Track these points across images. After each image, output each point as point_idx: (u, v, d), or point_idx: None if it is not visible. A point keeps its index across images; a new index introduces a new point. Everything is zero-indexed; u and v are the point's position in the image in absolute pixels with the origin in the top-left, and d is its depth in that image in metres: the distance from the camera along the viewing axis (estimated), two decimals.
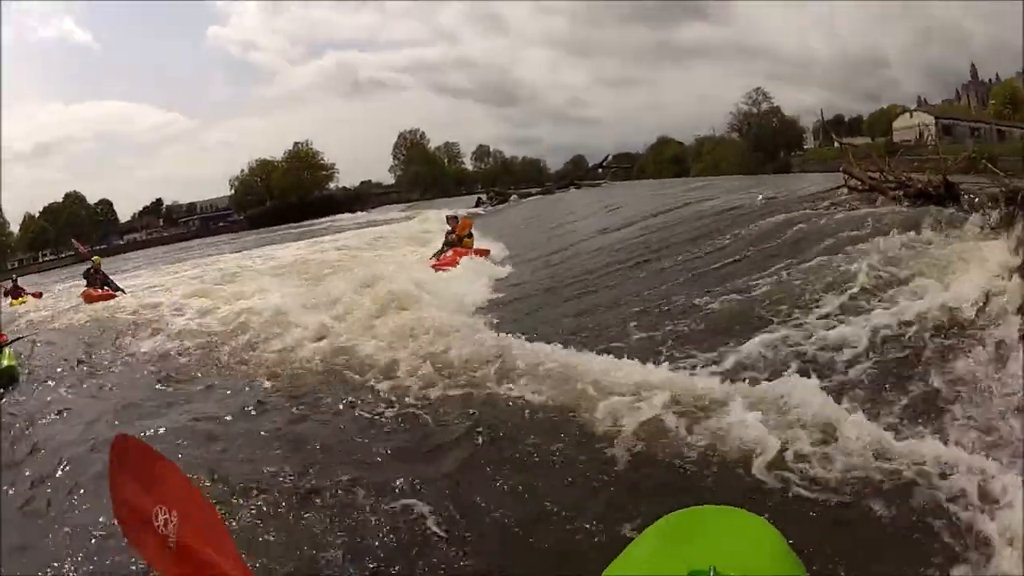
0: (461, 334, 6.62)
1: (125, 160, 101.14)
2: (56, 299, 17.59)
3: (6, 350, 8.68)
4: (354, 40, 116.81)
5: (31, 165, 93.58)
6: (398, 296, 8.26)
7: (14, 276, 22.01)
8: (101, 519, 3.79)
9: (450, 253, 12.67)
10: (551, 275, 10.87)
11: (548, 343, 5.96)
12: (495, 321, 7.50)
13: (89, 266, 16.03)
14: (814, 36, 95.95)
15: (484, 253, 13.08)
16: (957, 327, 4.77)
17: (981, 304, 4.96)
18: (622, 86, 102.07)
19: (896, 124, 47.33)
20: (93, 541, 3.69)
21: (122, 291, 15.48)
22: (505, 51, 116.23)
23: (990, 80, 51.64)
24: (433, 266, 12.12)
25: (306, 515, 3.73)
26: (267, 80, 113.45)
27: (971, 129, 42.60)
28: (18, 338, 9.58)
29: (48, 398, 7.00)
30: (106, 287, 15.48)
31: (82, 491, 4.33)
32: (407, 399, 5.38)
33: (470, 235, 13.63)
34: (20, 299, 17.81)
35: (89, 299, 14.71)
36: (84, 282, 15.88)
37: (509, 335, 6.31)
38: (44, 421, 6.14)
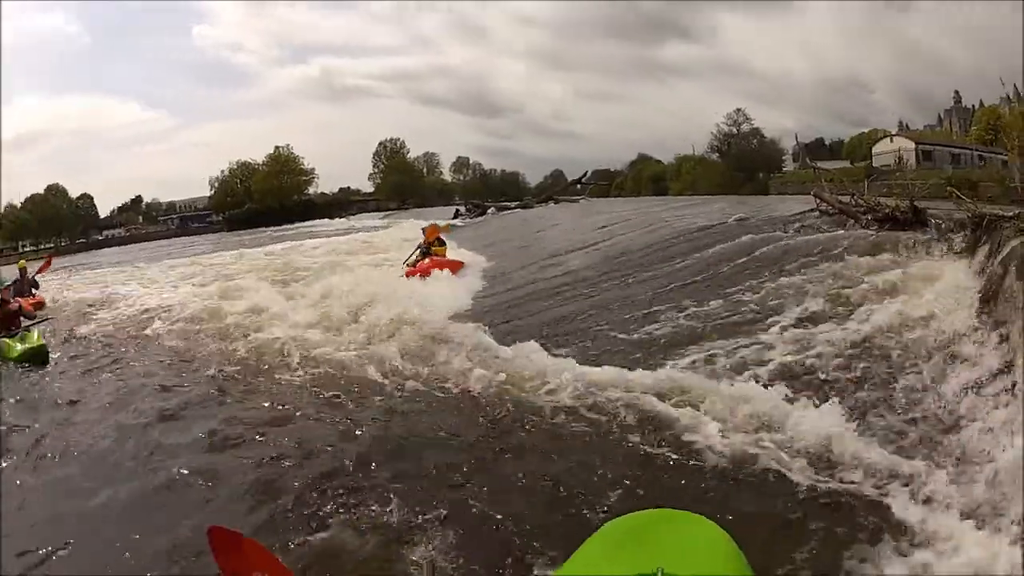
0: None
1: (104, 156, 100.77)
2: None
3: (34, 330, 9.21)
4: (337, 46, 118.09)
5: (9, 155, 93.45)
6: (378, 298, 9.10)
7: None
8: None
9: (426, 261, 12.68)
10: (525, 285, 11.05)
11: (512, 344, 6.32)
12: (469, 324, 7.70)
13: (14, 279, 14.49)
14: (797, 59, 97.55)
15: (458, 265, 12.97)
16: (900, 345, 4.96)
17: (924, 323, 5.17)
18: (602, 101, 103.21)
19: (876, 148, 47.96)
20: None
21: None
22: (486, 61, 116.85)
23: (973, 106, 52.48)
24: (406, 273, 12.29)
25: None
26: (249, 83, 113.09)
27: (951, 155, 43.06)
28: (38, 320, 9.93)
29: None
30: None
31: None
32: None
33: (441, 243, 13.67)
34: None
35: None
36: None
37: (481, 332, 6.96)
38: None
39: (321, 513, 3.82)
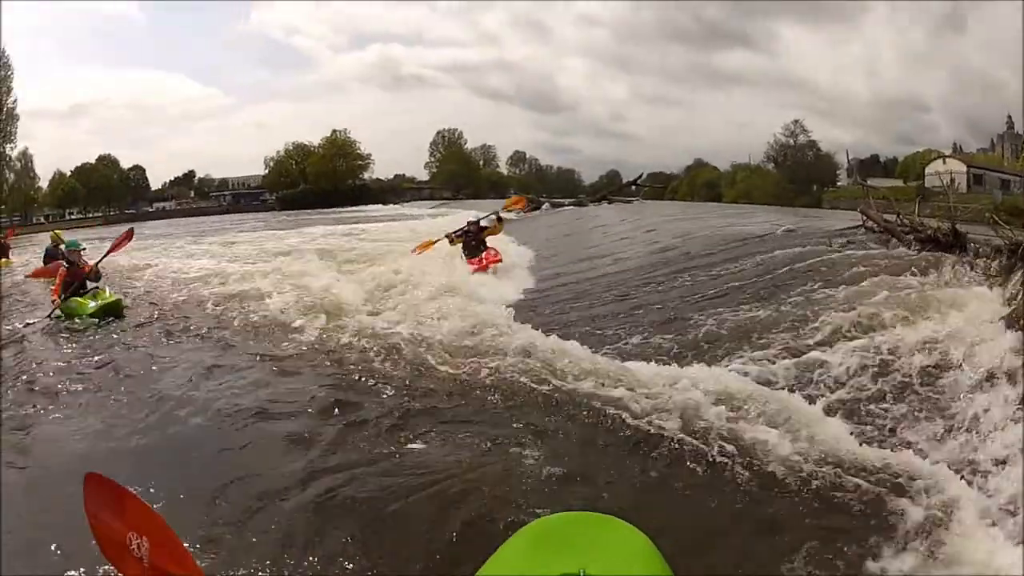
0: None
1: (157, 130, 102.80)
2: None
3: (104, 287, 9.89)
4: (398, 35, 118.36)
5: (63, 125, 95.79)
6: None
7: (4, 234, 22.54)
8: None
9: (485, 257, 12.27)
10: (572, 282, 11.40)
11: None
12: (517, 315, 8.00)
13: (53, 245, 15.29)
14: (855, 74, 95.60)
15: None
16: (923, 363, 5.08)
17: (949, 344, 5.26)
18: (661, 105, 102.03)
19: (929, 169, 47.10)
20: None
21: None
22: (547, 58, 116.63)
23: None
24: (472, 270, 11.87)
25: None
26: (308, 66, 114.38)
27: (1001, 180, 42.31)
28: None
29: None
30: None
31: None
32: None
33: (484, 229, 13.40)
34: (3, 259, 17.77)
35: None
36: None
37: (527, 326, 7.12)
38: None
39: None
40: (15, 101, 55.07)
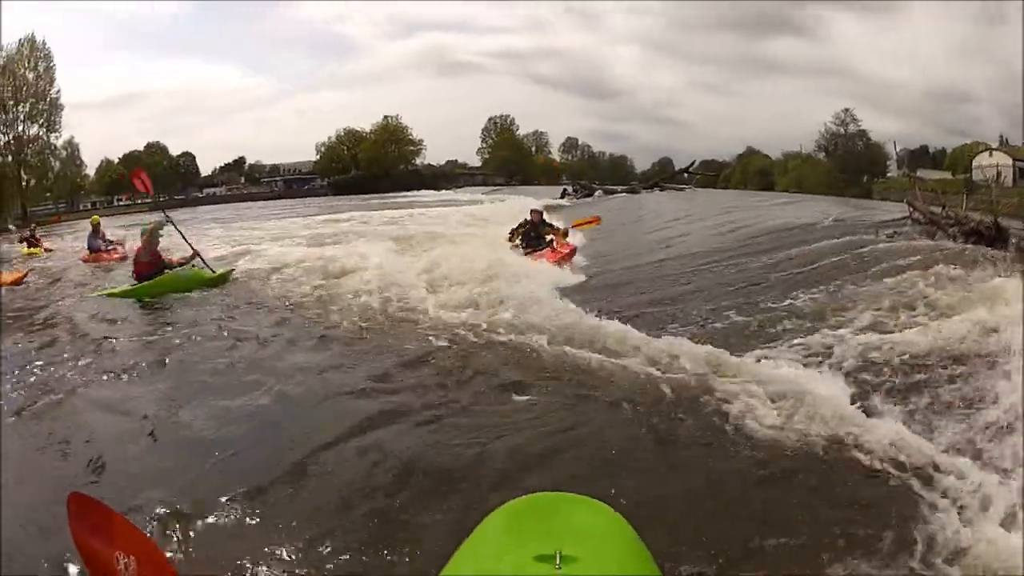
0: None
1: (206, 118, 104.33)
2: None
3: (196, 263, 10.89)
4: (448, 22, 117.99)
5: (111, 115, 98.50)
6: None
7: (33, 225, 23.78)
8: None
9: (551, 251, 11.87)
10: (625, 268, 11.84)
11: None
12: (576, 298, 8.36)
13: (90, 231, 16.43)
14: (904, 63, 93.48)
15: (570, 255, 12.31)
16: (961, 356, 5.20)
17: (985, 337, 5.43)
18: (711, 92, 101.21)
19: (976, 162, 46.09)
20: None
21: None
22: (598, 46, 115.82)
23: None
24: (534, 257, 11.53)
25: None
26: (357, 55, 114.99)
27: None
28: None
29: None
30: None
31: None
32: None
33: (549, 225, 12.93)
34: (34, 248, 18.88)
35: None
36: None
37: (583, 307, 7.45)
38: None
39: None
40: (58, 91, 55.63)
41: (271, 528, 3.40)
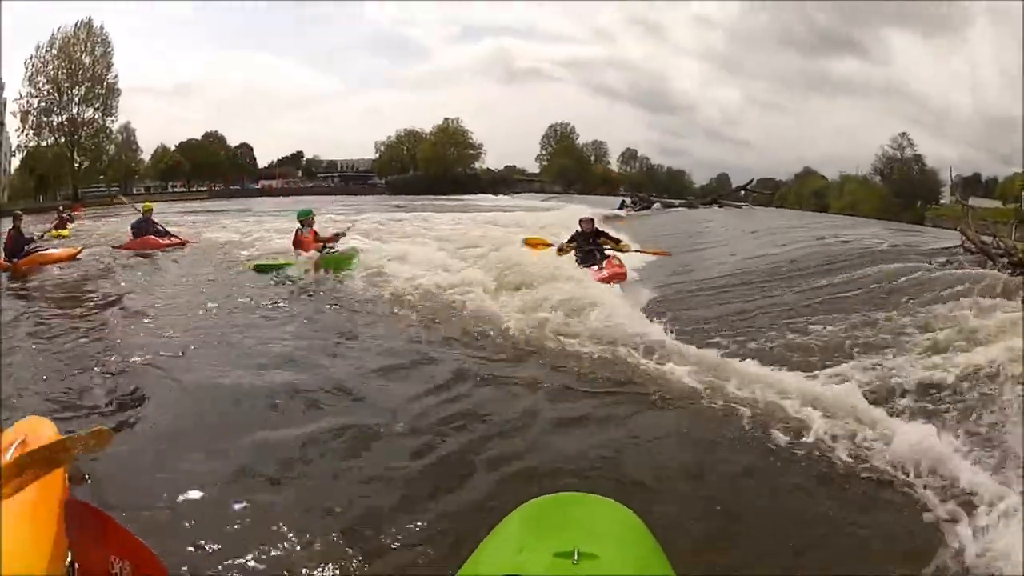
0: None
1: (266, 111, 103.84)
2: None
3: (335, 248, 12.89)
4: (512, 29, 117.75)
5: (170, 102, 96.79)
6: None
7: (60, 207, 24.86)
8: None
9: (607, 268, 11.13)
10: (681, 283, 12.09)
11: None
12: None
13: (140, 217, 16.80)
14: (965, 88, 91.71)
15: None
16: (999, 383, 5.37)
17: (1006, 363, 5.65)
18: (770, 109, 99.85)
19: None
20: None
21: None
22: (661, 58, 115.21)
23: None
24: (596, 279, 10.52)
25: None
26: (421, 56, 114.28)
27: None
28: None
29: None
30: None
31: None
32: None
33: (605, 235, 12.22)
34: (61, 231, 19.74)
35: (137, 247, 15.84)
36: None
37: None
38: None
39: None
40: (116, 76, 56.71)
41: (273, 527, 3.40)
